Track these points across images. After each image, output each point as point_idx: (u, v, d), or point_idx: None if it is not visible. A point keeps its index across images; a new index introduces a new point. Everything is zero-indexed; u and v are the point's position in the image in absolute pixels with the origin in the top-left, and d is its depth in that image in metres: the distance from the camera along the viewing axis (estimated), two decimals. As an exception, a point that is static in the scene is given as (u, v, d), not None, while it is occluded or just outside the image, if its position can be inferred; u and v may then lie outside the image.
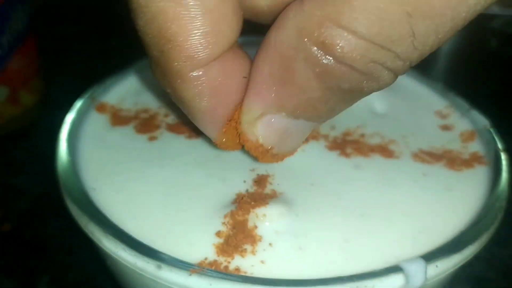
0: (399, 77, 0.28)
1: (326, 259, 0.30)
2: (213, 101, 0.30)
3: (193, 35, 0.27)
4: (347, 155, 0.38)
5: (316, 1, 0.26)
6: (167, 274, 0.28)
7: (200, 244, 0.30)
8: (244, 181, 0.35)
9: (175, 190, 0.34)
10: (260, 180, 0.35)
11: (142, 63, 0.46)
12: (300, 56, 0.26)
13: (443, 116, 0.43)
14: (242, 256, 0.30)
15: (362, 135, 0.40)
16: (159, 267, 0.28)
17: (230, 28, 0.29)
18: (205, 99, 0.29)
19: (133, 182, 0.35)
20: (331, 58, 0.26)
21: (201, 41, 0.27)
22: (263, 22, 0.32)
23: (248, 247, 0.30)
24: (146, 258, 0.28)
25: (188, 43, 0.27)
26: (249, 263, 0.29)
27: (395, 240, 0.32)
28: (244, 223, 0.31)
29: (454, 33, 0.26)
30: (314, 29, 0.26)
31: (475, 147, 0.40)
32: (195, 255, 0.30)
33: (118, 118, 0.40)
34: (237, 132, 0.31)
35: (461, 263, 0.30)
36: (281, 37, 0.27)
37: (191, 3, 0.27)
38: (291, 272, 0.29)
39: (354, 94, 0.28)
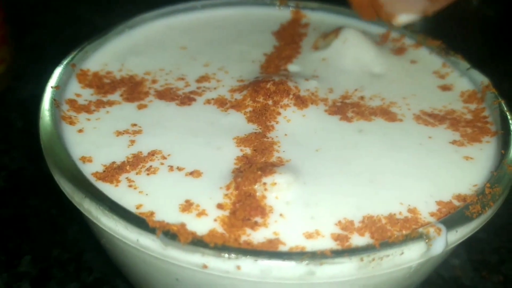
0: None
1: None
2: None
3: None
4: (349, 119, 0.36)
5: None
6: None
7: (201, 219, 0.28)
8: (241, 150, 0.33)
9: (170, 161, 0.32)
10: (264, 148, 0.33)
11: (122, 27, 0.42)
12: None
13: (442, 76, 0.42)
14: (254, 229, 0.28)
15: (362, 98, 0.38)
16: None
17: None
18: None
19: (125, 152, 0.32)
20: None
21: None
22: None
23: (258, 219, 0.28)
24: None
25: None
26: (262, 236, 0.28)
27: (407, 205, 0.30)
28: (251, 194, 0.29)
29: None
30: None
31: (477, 106, 0.38)
32: (198, 229, 0.28)
33: (103, 86, 0.37)
34: None
35: (478, 228, 0.29)
36: None
37: None
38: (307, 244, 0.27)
39: None
